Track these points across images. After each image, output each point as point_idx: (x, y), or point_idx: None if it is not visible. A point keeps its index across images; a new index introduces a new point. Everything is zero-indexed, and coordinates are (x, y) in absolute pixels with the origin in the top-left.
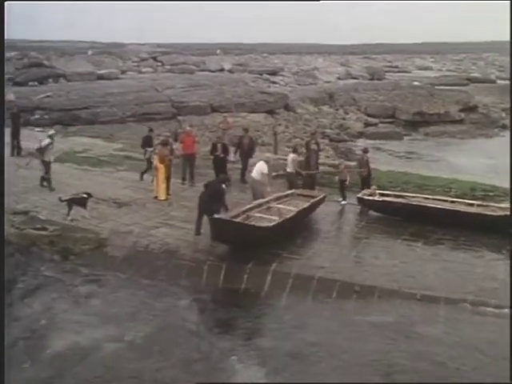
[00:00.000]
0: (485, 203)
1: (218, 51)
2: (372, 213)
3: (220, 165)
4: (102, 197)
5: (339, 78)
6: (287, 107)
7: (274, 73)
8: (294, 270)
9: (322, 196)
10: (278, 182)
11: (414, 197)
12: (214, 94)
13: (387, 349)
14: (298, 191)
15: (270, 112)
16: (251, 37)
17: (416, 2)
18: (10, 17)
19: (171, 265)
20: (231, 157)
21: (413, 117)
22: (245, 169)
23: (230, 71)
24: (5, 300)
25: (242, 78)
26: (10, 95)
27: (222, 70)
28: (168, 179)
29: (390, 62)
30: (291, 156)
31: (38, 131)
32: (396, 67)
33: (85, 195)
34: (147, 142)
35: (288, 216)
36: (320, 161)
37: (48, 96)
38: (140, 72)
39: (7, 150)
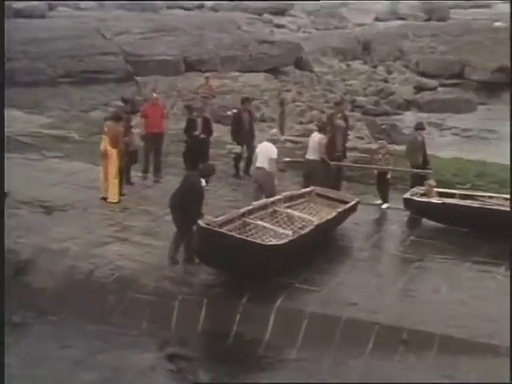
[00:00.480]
0: None
1: None
2: (427, 222)
3: (199, 150)
4: (22, 198)
5: (378, 19)
6: (300, 64)
7: (280, 12)
8: (309, 308)
9: (354, 202)
10: (283, 175)
11: (491, 197)
12: (189, 43)
13: None
14: (319, 190)
15: (274, 71)
16: None
17: None
18: None
19: (126, 301)
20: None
21: (491, 76)
22: (250, 158)
23: (214, 9)
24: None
25: (231, 20)
26: None
27: (201, 6)
28: (122, 172)
29: None
30: (317, 137)
31: None
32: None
33: None
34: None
35: (305, 231)
36: (348, 144)
37: None
38: (78, 8)
39: None
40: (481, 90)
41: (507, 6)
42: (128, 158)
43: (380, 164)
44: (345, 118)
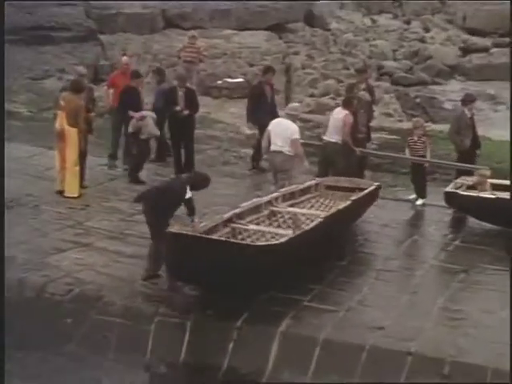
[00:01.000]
0: None
1: None
2: (475, 222)
3: (181, 131)
4: None
5: None
6: (311, 19)
7: None
8: (323, 333)
9: (372, 188)
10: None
11: None
12: None
13: None
14: (329, 180)
15: (278, 29)
16: None
17: None
18: None
19: (87, 324)
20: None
21: None
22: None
23: None
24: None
25: None
26: None
27: None
28: (84, 157)
29: None
30: (341, 114)
31: None
32: None
33: None
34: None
35: (309, 226)
36: (373, 123)
37: None
38: None
39: None
40: None
41: None
42: (139, 151)
43: (415, 149)
44: (369, 90)
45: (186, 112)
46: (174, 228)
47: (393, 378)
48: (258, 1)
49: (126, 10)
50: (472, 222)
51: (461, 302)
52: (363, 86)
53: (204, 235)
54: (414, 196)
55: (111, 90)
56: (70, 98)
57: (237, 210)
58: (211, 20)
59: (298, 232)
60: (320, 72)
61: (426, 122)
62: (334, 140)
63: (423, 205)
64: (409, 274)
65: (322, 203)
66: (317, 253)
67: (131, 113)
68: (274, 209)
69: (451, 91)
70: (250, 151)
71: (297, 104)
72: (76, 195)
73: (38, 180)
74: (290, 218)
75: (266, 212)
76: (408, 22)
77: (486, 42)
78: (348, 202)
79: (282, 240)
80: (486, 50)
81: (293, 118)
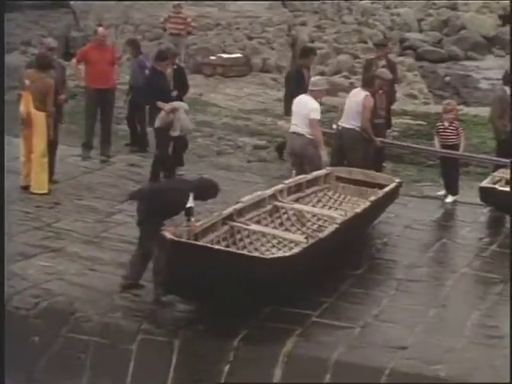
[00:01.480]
0: None
1: None
2: None
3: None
4: None
5: None
6: None
7: None
8: (335, 354)
9: (393, 185)
10: None
11: None
12: None
13: None
14: (340, 171)
15: None
16: None
17: None
18: None
19: (58, 344)
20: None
21: None
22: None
23: None
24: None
25: None
26: None
27: None
28: (55, 146)
29: None
30: (360, 95)
31: None
32: None
33: None
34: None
35: (325, 234)
36: (395, 105)
37: None
38: None
39: None
40: None
41: None
42: (163, 150)
43: (445, 137)
44: (390, 67)
45: (175, 93)
46: (169, 231)
47: None
48: None
49: None
50: None
51: (498, 318)
52: (383, 62)
53: (210, 245)
54: (443, 192)
55: (81, 66)
56: (36, 75)
57: (237, 206)
58: None
59: (312, 241)
60: (332, 46)
61: (458, 104)
62: (350, 126)
63: (454, 202)
64: (437, 285)
65: (330, 198)
66: (329, 261)
67: (160, 104)
68: (278, 204)
69: (488, 68)
70: (248, 140)
71: (319, 77)
72: (44, 191)
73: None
74: (294, 215)
75: (268, 207)
76: None
77: None
78: (367, 204)
79: (295, 251)
80: None
81: (315, 94)
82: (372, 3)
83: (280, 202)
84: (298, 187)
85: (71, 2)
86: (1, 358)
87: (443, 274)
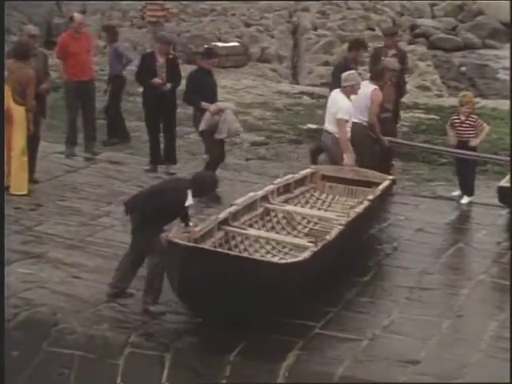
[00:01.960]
0: None
1: None
2: None
3: (161, 110)
4: None
5: None
6: None
7: None
8: (340, 369)
9: (387, 183)
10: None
11: None
12: None
13: None
14: (326, 169)
15: None
16: None
17: None
18: None
19: (39, 358)
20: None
21: None
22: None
23: None
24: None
25: None
26: None
27: None
28: (37, 143)
29: None
30: (368, 88)
31: None
32: None
33: None
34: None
35: (331, 237)
36: (405, 98)
37: None
38: None
39: None
40: None
41: None
42: (212, 154)
43: (462, 132)
44: (400, 56)
45: (169, 86)
46: (173, 236)
47: None
48: None
49: None
50: None
51: None
52: (392, 51)
53: (221, 250)
54: (458, 193)
55: (61, 60)
56: (15, 66)
57: (232, 209)
58: None
59: (321, 244)
60: (336, 34)
61: (475, 97)
62: (358, 121)
63: (470, 204)
64: (451, 293)
65: (317, 198)
66: (333, 266)
67: (205, 104)
68: (269, 206)
69: (507, 57)
70: (246, 136)
71: (351, 71)
72: (24, 192)
73: None
74: (284, 218)
75: (260, 210)
76: None
77: None
78: (366, 203)
79: (306, 255)
80: None
81: (347, 91)
82: None
83: (271, 204)
84: (287, 188)
85: None
86: (1, 365)
87: (458, 282)
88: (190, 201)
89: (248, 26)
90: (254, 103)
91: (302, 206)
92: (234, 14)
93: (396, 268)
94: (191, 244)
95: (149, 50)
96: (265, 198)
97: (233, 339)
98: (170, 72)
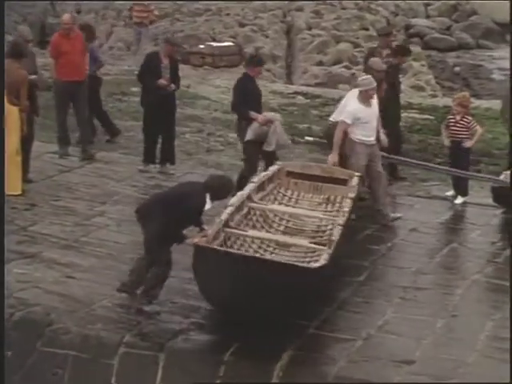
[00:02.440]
0: None
1: None
2: None
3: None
4: None
5: None
6: None
7: None
8: (335, 369)
9: (356, 180)
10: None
11: None
12: None
13: None
14: (291, 166)
15: None
16: None
17: None
18: None
19: (33, 358)
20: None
21: None
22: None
23: None
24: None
25: None
26: None
27: None
28: (30, 143)
29: None
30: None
31: None
32: None
33: None
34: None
35: (337, 237)
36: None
37: None
38: None
39: None
40: None
41: None
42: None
43: (456, 132)
44: (394, 56)
45: (174, 87)
46: (200, 241)
47: None
48: None
49: None
50: None
51: None
52: (386, 52)
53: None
54: (451, 192)
55: (54, 60)
56: (9, 66)
57: (228, 210)
58: None
59: (333, 246)
60: (331, 33)
61: (473, 96)
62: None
63: (464, 204)
64: (445, 293)
65: (284, 195)
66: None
67: (253, 114)
68: (253, 205)
69: (502, 57)
70: None
71: (366, 76)
72: (18, 192)
73: None
74: (260, 216)
75: (245, 210)
76: None
77: None
78: (348, 201)
79: (326, 258)
80: None
81: (363, 95)
82: None
83: (254, 203)
84: (262, 186)
85: None
86: (1, 365)
87: (453, 282)
88: (209, 204)
89: (242, 25)
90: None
91: (272, 203)
92: (228, 14)
93: (391, 268)
94: (241, 252)
95: (148, 51)
96: (249, 198)
97: (226, 339)
98: (173, 73)
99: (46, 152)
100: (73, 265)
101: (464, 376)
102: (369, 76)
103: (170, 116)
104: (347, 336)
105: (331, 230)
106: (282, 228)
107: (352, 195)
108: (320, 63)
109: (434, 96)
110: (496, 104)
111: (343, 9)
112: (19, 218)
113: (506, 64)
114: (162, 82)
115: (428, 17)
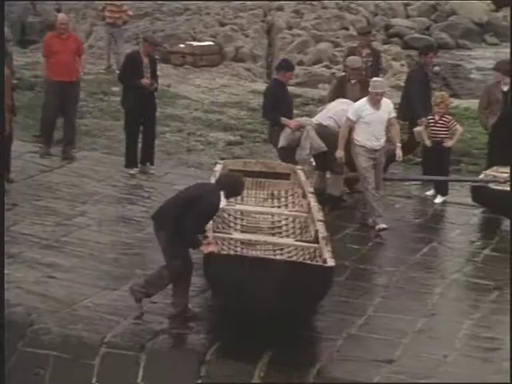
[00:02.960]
0: None
1: None
2: None
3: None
4: None
5: None
6: None
7: None
8: (315, 368)
9: (301, 173)
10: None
11: None
12: None
13: None
14: (234, 163)
15: None
16: None
17: None
18: None
19: (14, 358)
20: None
21: None
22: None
23: None
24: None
25: None
26: None
27: None
28: (7, 143)
29: None
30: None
31: None
32: None
33: None
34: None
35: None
36: None
37: None
38: None
39: None
40: None
41: None
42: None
43: (435, 133)
44: (374, 56)
45: (156, 86)
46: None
47: None
48: None
49: None
50: (507, 225)
51: (493, 328)
52: (366, 50)
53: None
54: (431, 192)
55: (46, 59)
56: None
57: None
58: None
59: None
60: (311, 33)
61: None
62: (325, 123)
63: (444, 203)
64: (425, 292)
65: (251, 195)
66: None
67: (285, 120)
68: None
69: (480, 57)
70: (220, 135)
71: (381, 79)
72: None
73: None
74: (218, 216)
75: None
76: None
77: None
78: (310, 197)
79: (330, 255)
80: None
81: (374, 98)
82: None
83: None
84: None
85: None
86: (1, 364)
87: (432, 281)
88: (223, 202)
89: (222, 25)
90: (228, 102)
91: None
92: (208, 14)
93: (371, 267)
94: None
95: (128, 51)
96: None
97: (208, 339)
98: (152, 72)
99: (26, 152)
100: (54, 265)
101: (443, 375)
102: (380, 79)
103: (150, 116)
104: (328, 335)
105: (286, 225)
106: (238, 227)
107: (311, 190)
108: (300, 63)
109: None
110: (475, 104)
111: (323, 8)
112: None
113: (484, 64)
114: (145, 81)
115: (408, 17)
